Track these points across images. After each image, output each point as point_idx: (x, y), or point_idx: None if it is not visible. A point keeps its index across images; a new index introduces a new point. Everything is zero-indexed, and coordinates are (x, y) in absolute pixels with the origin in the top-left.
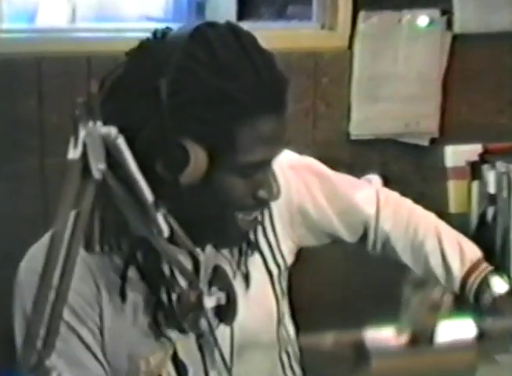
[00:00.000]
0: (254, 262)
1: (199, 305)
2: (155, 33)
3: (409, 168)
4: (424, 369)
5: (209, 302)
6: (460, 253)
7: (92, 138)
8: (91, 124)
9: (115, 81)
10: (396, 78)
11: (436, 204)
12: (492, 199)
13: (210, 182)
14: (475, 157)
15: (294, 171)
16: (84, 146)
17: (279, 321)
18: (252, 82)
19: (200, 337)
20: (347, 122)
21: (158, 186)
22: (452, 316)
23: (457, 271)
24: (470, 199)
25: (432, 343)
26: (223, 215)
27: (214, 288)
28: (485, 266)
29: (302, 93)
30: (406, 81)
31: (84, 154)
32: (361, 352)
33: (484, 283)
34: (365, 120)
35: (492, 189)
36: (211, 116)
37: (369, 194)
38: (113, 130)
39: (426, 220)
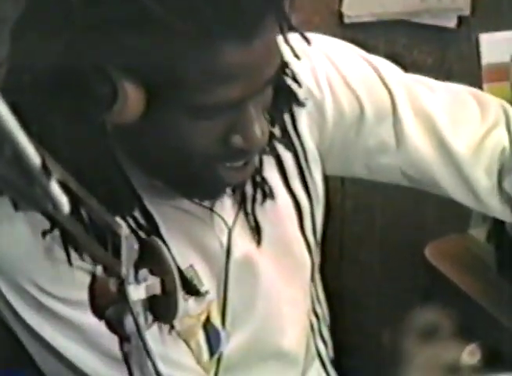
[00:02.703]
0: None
1: (121, 296)
2: None
3: (428, 59)
4: None
5: (136, 293)
6: None
7: None
8: None
9: None
10: None
11: None
12: None
13: (154, 124)
14: None
15: None
16: None
17: (312, 276)
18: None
19: (124, 341)
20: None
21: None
22: None
23: None
24: None
25: None
26: (193, 165)
27: (142, 273)
28: None
29: None
30: None
31: None
32: None
33: None
34: None
35: None
36: (141, 44)
37: None
38: None
39: None
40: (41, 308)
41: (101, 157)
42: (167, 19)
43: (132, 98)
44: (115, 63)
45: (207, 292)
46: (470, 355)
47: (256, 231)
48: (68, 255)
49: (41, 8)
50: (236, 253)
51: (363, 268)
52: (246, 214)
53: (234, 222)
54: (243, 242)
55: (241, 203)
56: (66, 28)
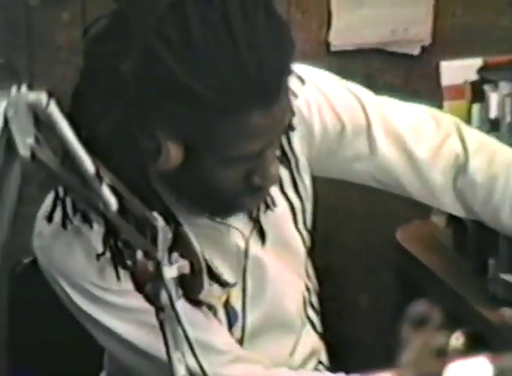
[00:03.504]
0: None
1: (158, 275)
2: None
3: (397, 81)
4: None
5: (169, 272)
6: None
7: (16, 108)
8: (14, 90)
9: (92, 41)
10: None
11: None
12: (495, 124)
13: (191, 169)
14: (474, 75)
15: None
16: (5, 118)
17: (306, 260)
18: (233, 77)
19: (160, 311)
20: (326, 31)
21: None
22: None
23: None
24: (469, 123)
25: None
26: (220, 197)
27: (175, 256)
28: None
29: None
30: None
31: (5, 129)
32: None
33: None
34: (347, 28)
35: (493, 114)
36: (182, 112)
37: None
38: (42, 96)
39: None
40: (94, 298)
41: (144, 191)
42: (204, 95)
43: (173, 153)
44: (160, 127)
45: (231, 284)
46: (455, 340)
47: (261, 235)
48: (117, 273)
49: (97, 80)
50: (251, 254)
51: (345, 249)
52: (254, 221)
53: (251, 232)
54: (254, 245)
55: (251, 214)
56: (121, 99)
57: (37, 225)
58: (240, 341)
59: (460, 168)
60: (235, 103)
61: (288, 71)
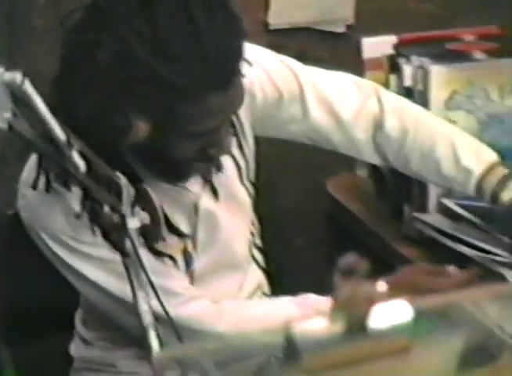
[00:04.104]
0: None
1: (123, 225)
2: None
3: (325, 54)
4: (358, 357)
5: (132, 223)
6: (475, 155)
7: None
8: None
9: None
10: None
11: None
12: (408, 92)
13: (156, 142)
14: (390, 50)
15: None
16: None
17: (251, 209)
18: (196, 64)
19: (125, 256)
20: (264, 13)
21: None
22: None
23: (474, 171)
24: (388, 90)
25: (366, 330)
26: (179, 166)
27: (136, 209)
28: (502, 168)
29: None
30: None
31: None
32: (290, 347)
33: (502, 184)
34: (283, 10)
35: (407, 83)
36: (152, 95)
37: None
38: (17, 76)
39: (435, 124)
40: (71, 249)
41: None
42: (171, 80)
43: (141, 130)
44: (132, 107)
45: (186, 234)
46: (380, 287)
47: (214, 192)
48: (92, 228)
49: (77, 66)
50: (204, 208)
51: (283, 197)
52: (207, 181)
53: (203, 190)
54: (206, 200)
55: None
56: (98, 83)
57: (20, 188)
58: (195, 281)
59: (378, 126)
60: (198, 84)
61: (241, 56)
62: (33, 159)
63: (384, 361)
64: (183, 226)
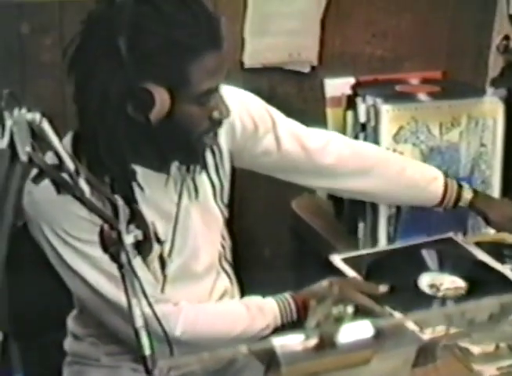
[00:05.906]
0: (202, 178)
1: (119, 241)
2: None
3: (293, 91)
4: (328, 368)
5: (128, 239)
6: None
7: (19, 125)
8: (16, 112)
9: (75, 50)
10: (282, 16)
11: (316, 125)
12: (363, 127)
13: (174, 115)
14: (348, 89)
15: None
16: (11, 134)
17: (223, 226)
18: (194, 27)
19: (120, 267)
20: (240, 53)
21: (133, 128)
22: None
23: (436, 191)
24: (345, 125)
25: (335, 345)
26: (190, 140)
27: (131, 227)
28: (451, 181)
29: None
30: (290, 18)
31: (12, 142)
32: (272, 359)
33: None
34: (256, 51)
35: (362, 119)
36: (166, 60)
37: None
38: (37, 115)
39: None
40: (66, 244)
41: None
42: (184, 40)
43: (163, 100)
44: (149, 78)
45: (163, 241)
46: (349, 309)
47: (195, 190)
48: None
49: (96, 50)
50: (181, 214)
51: (254, 214)
52: (190, 180)
53: (183, 186)
54: (185, 206)
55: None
56: (114, 60)
57: (27, 187)
58: (166, 285)
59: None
60: (200, 42)
61: (223, 25)
62: None
63: (351, 370)
64: (162, 233)
